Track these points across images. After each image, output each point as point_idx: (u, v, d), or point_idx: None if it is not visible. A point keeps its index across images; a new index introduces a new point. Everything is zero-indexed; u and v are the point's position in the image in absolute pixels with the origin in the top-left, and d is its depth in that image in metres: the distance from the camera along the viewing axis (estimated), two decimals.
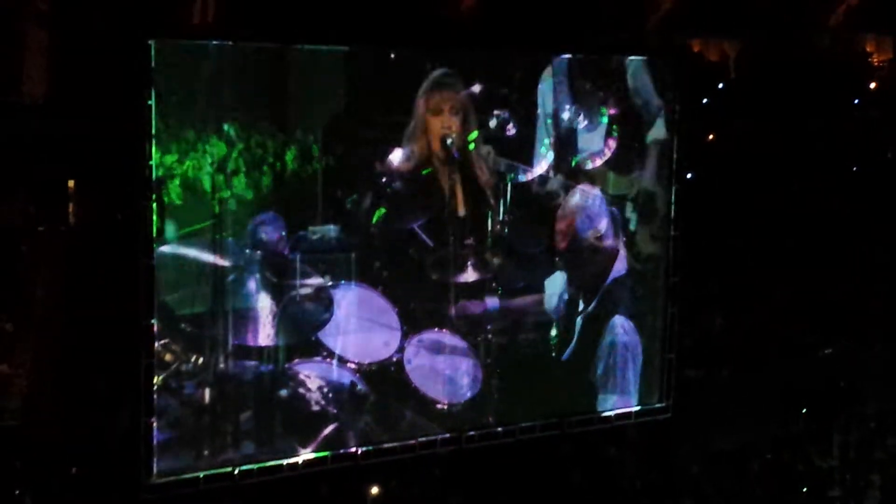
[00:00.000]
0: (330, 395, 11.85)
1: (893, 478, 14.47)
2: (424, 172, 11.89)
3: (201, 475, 11.27)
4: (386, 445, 12.07)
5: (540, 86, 12.67)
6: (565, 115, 12.77)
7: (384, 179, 11.74)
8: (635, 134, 13.26)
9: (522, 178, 12.55)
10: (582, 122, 12.87)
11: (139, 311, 10.95)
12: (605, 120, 12.98)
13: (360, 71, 11.80)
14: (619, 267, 13.35)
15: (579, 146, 12.93)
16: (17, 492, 11.51)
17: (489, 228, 12.37)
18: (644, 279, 13.53)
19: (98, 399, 11.82)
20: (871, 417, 15.31)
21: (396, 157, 11.77)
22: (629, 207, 13.27)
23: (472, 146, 12.08)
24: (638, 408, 13.50)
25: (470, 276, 12.25)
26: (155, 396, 11.05)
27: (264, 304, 11.53)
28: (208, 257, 11.23)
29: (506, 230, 12.51)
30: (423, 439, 12.23)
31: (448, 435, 12.31)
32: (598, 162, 13.01)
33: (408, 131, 11.75)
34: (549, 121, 12.70)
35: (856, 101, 16.61)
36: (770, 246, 15.77)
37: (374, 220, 11.81)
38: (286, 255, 11.55)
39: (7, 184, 11.90)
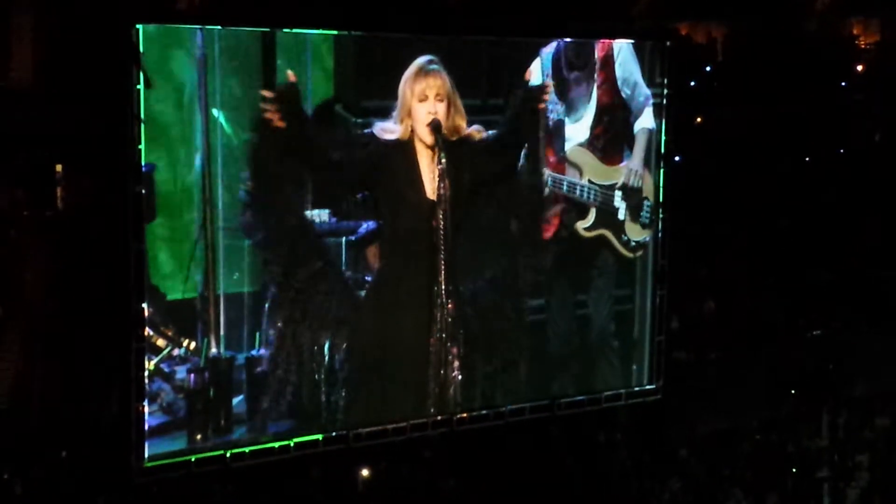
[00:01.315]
0: (320, 378, 11.87)
1: (882, 458, 14.55)
2: (408, 155, 11.86)
3: (193, 458, 11.26)
4: (377, 428, 12.08)
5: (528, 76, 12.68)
6: (552, 106, 12.79)
7: (370, 161, 11.72)
8: (623, 122, 13.28)
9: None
10: (569, 110, 12.89)
11: (130, 295, 10.91)
12: (592, 108, 13.01)
13: (347, 54, 11.79)
14: (607, 254, 13.41)
15: (566, 135, 12.95)
16: (7, 476, 11.48)
17: (474, 214, 12.36)
18: (633, 265, 13.59)
19: (88, 383, 11.81)
20: (860, 398, 15.38)
21: (382, 140, 11.74)
22: (618, 196, 13.29)
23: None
24: (628, 389, 13.56)
25: (456, 257, 12.21)
26: (146, 381, 11.04)
27: (256, 289, 11.52)
28: (198, 242, 11.21)
29: (490, 216, 12.52)
30: (414, 421, 12.23)
31: (439, 417, 12.31)
32: (586, 150, 13.04)
33: (394, 113, 11.72)
34: None
35: (843, 84, 16.66)
36: (758, 229, 15.83)
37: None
38: (279, 239, 11.54)
39: None
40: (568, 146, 12.92)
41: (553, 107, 12.77)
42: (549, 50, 12.74)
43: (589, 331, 13.36)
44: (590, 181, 13.04)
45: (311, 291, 11.67)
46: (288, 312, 11.60)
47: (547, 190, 12.80)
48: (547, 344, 13.08)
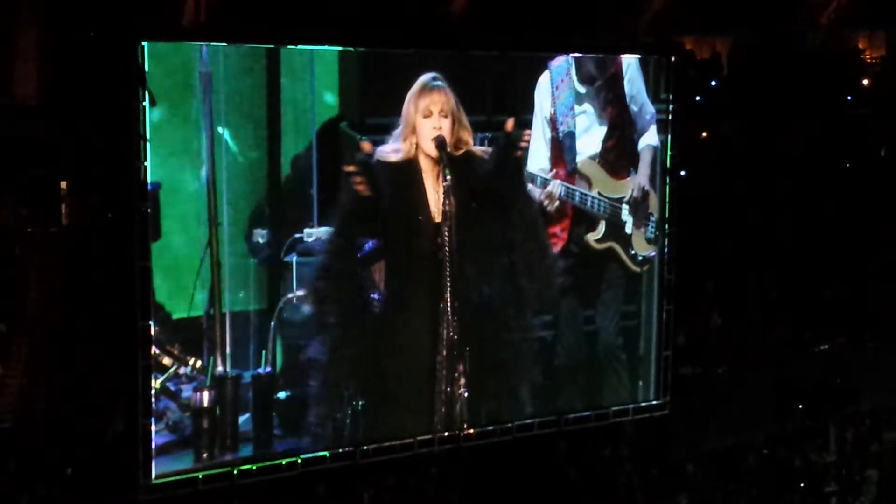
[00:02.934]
0: (326, 394, 11.83)
1: (889, 473, 14.48)
2: (413, 174, 11.84)
3: (200, 475, 11.23)
4: (384, 444, 12.06)
5: (537, 88, 12.68)
6: (562, 118, 12.80)
7: (373, 178, 11.72)
8: (630, 138, 13.30)
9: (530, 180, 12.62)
10: (579, 125, 12.90)
11: (135, 312, 10.88)
12: (603, 121, 13.03)
13: (352, 71, 11.80)
14: (615, 267, 13.40)
15: (577, 149, 12.95)
16: (13, 493, 11.45)
17: (481, 227, 12.34)
18: (639, 280, 13.58)
19: (94, 400, 11.80)
20: (867, 413, 15.35)
21: (385, 156, 11.73)
22: (625, 210, 13.30)
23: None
24: (635, 404, 13.55)
25: (462, 272, 12.19)
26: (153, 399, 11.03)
27: (261, 306, 11.51)
28: (204, 260, 11.19)
29: (497, 229, 12.49)
30: (421, 437, 12.21)
31: (446, 433, 12.28)
32: (595, 163, 13.05)
33: (396, 132, 11.72)
34: (547, 123, 12.72)
35: (848, 98, 16.66)
36: (765, 243, 15.81)
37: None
38: (282, 257, 11.53)
39: None
40: (579, 158, 12.95)
41: (563, 119, 12.80)
42: (558, 63, 12.76)
43: (597, 345, 13.37)
44: (599, 193, 13.06)
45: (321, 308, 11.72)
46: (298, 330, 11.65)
47: (558, 201, 12.84)
48: (554, 359, 13.08)
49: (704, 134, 15.66)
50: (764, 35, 15.97)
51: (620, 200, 13.25)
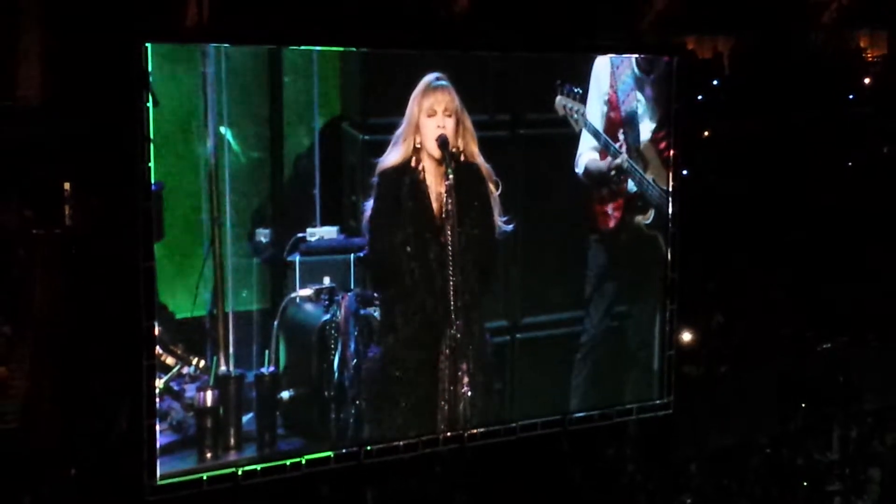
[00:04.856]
0: (330, 395, 11.84)
1: (893, 472, 14.51)
2: (415, 174, 11.83)
3: (205, 476, 11.24)
4: (389, 444, 12.05)
5: (594, 70, 12.76)
6: (623, 97, 12.88)
7: (376, 180, 11.72)
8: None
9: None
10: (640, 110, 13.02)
11: (139, 313, 10.89)
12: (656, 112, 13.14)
13: (355, 71, 11.82)
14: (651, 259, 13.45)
15: (640, 129, 13.07)
16: (17, 494, 11.47)
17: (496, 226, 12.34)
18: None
19: (98, 401, 11.81)
20: (870, 412, 15.36)
21: (388, 157, 11.73)
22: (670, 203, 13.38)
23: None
24: (639, 404, 13.54)
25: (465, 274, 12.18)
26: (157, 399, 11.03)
27: (264, 306, 11.51)
28: (207, 260, 11.20)
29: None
30: (426, 438, 12.20)
31: (450, 434, 12.28)
32: (654, 149, 13.15)
33: (397, 133, 11.73)
34: (605, 104, 12.78)
35: (850, 97, 16.68)
36: (768, 242, 15.81)
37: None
38: (285, 257, 11.54)
39: (2, 186, 11.91)
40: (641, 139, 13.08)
41: (625, 98, 12.86)
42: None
43: (625, 340, 13.43)
44: (653, 180, 13.11)
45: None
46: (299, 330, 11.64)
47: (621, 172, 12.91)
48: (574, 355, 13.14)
49: (707, 133, 15.67)
50: (765, 34, 15.98)
51: (668, 193, 13.34)
